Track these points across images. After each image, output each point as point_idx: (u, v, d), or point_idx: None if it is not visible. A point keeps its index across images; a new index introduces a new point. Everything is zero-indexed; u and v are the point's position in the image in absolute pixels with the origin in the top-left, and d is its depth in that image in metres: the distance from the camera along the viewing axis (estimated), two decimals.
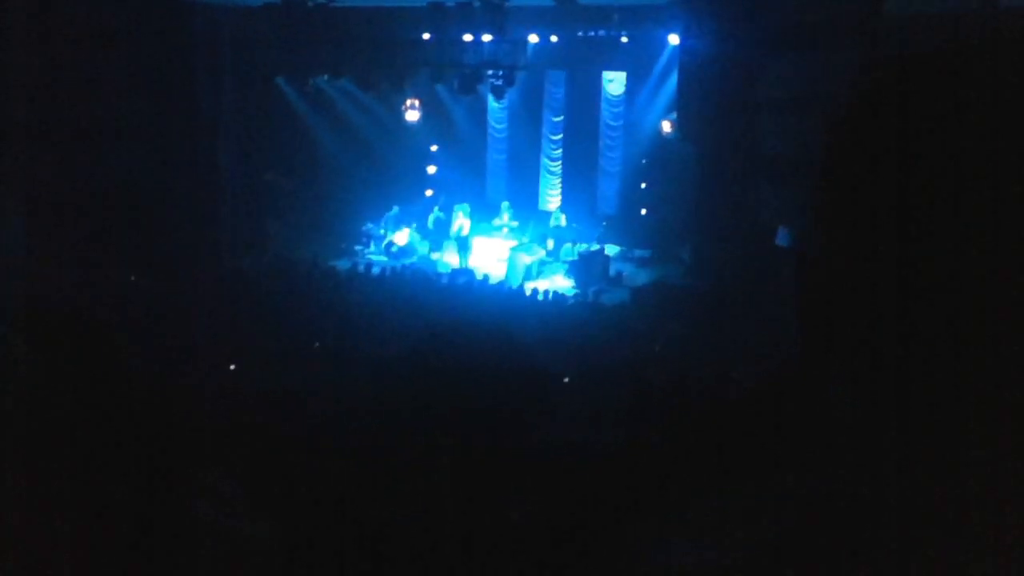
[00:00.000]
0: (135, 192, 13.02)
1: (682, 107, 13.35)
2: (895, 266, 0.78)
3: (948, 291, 0.75)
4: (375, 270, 15.06)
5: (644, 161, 17.53)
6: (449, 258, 16.65)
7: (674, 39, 14.53)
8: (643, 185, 17.65)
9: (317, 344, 8.06)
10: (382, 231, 17.38)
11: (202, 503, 1.64)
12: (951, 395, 0.76)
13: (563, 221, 17.20)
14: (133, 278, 11.40)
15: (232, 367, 6.43)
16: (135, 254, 12.45)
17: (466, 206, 17.03)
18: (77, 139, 11.86)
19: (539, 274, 15.66)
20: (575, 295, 14.49)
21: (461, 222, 16.73)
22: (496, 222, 17.47)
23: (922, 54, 0.80)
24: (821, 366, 0.86)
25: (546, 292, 14.07)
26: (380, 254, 17.02)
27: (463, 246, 16.53)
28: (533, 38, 15.98)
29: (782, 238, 9.37)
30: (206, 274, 13.23)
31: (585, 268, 15.19)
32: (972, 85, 0.75)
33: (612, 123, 17.79)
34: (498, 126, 18.80)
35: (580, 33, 16.17)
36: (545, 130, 18.42)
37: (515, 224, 17.37)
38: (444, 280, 14.82)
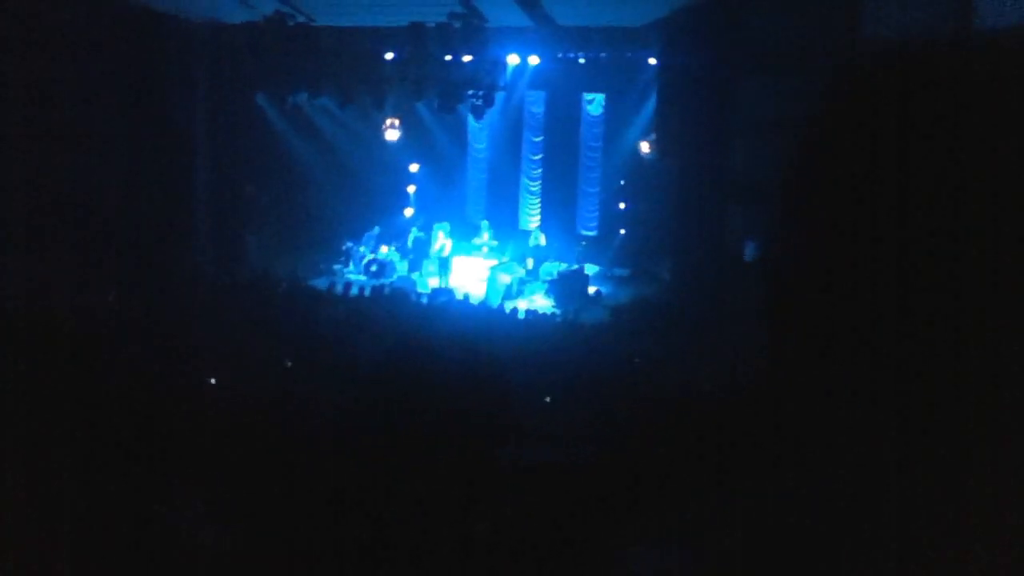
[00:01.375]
0: (108, 205, 12.88)
1: (660, 128, 13.48)
2: (856, 278, 0.79)
3: (907, 298, 0.76)
4: (354, 289, 15.00)
5: (623, 181, 17.69)
6: (430, 278, 16.62)
7: (654, 60, 14.72)
8: (622, 205, 17.80)
9: (289, 363, 8.00)
10: (361, 249, 17.34)
11: (172, 513, 1.61)
12: (916, 403, 0.77)
13: (543, 240, 17.26)
14: (111, 298, 11.26)
15: (212, 380, 6.38)
16: (109, 268, 12.30)
17: (446, 225, 17.05)
18: (45, 150, 11.71)
19: (519, 293, 15.67)
20: (555, 314, 14.51)
21: (442, 242, 16.74)
22: (476, 241, 17.51)
23: (891, 74, 0.81)
24: (784, 376, 0.86)
25: (526, 311, 14.08)
26: (359, 273, 16.96)
27: (444, 266, 16.52)
28: (513, 59, 16.10)
29: (749, 253, 9.46)
30: (182, 288, 13.11)
31: (565, 287, 15.24)
32: (942, 105, 0.77)
33: (592, 143, 17.95)
34: (478, 145, 18.88)
35: (560, 54, 16.34)
36: (525, 150, 18.53)
37: (495, 243, 17.41)
38: (423, 299, 14.79)
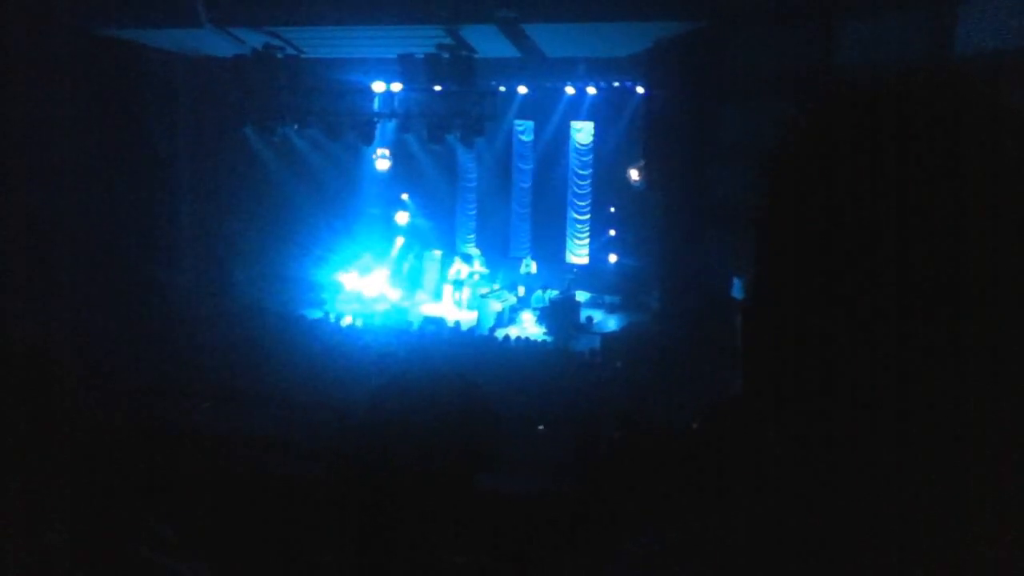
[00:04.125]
0: (92, 238, 12.87)
1: (647, 156, 13.57)
2: (828, 316, 0.80)
3: (885, 326, 0.77)
4: (344, 320, 14.97)
5: (613, 209, 17.77)
6: (425, 307, 16.62)
7: (641, 90, 14.87)
8: (612, 232, 17.87)
9: (271, 392, 7.96)
10: (353, 279, 17.32)
11: (143, 545, 1.61)
12: (881, 447, 0.78)
13: (533, 268, 17.30)
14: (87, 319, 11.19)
15: (194, 410, 6.35)
16: (92, 298, 12.25)
17: (433, 252, 17.13)
18: (28, 182, 11.70)
19: (510, 321, 15.67)
20: (546, 341, 14.50)
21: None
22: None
23: (869, 101, 0.82)
24: (758, 412, 0.87)
25: (517, 338, 14.07)
26: (351, 303, 16.93)
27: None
28: (501, 88, 16.24)
29: (737, 290, 9.48)
30: (165, 318, 13.06)
31: (556, 314, 15.24)
32: (920, 131, 0.77)
33: (581, 171, 18.07)
34: (468, 175, 18.98)
35: (548, 84, 16.49)
36: (515, 178, 18.63)
37: (486, 271, 17.43)
38: (415, 328, 14.77)
